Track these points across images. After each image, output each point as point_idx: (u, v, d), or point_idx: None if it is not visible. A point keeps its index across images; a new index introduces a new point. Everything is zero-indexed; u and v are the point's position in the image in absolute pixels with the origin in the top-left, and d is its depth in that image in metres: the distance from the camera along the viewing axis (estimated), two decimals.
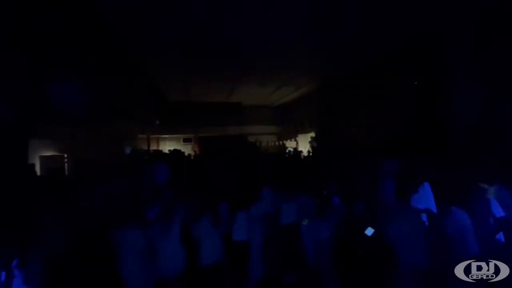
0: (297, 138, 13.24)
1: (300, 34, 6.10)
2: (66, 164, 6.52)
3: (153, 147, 13.99)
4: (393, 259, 2.46)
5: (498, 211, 2.66)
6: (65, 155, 6.61)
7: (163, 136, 14.59)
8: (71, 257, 2.97)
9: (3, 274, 2.28)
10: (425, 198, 2.96)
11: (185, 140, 15.14)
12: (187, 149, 12.84)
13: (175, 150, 5.45)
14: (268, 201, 3.01)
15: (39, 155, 6.14)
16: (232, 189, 3.20)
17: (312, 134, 11.32)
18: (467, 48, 5.28)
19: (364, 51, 7.15)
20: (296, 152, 10.07)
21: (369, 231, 2.63)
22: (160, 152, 6.31)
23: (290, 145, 13.31)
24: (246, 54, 7.16)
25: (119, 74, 7.63)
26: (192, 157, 9.24)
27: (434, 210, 2.99)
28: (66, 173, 6.09)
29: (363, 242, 2.60)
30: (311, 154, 9.46)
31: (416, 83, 6.78)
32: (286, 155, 9.29)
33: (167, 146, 14.18)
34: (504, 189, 2.85)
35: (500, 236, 2.52)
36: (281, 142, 14.14)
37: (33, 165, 4.87)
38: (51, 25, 4.35)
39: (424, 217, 2.75)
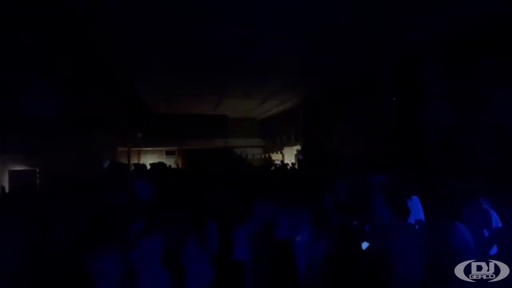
0: (282, 151, 13.25)
1: (285, 49, 6.18)
2: (38, 180, 6.08)
3: (134, 160, 13.48)
4: (388, 274, 2.39)
5: (484, 221, 2.68)
6: (37, 170, 6.17)
7: (144, 149, 14.13)
8: (39, 283, 2.69)
9: None
10: (415, 211, 2.95)
11: (168, 153, 14.72)
12: (170, 163, 12.47)
13: (158, 163, 5.21)
14: (262, 216, 2.87)
15: (9, 170, 5.70)
16: (221, 206, 3.04)
17: (298, 147, 11.37)
18: (441, 66, 5.58)
19: (347, 67, 7.35)
20: (283, 165, 10.03)
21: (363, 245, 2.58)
22: (141, 166, 6.03)
23: (276, 157, 13.28)
24: (232, 67, 7.15)
25: (97, 84, 7.36)
26: (176, 170, 8.94)
27: (423, 221, 2.98)
28: (38, 189, 5.67)
29: (358, 256, 2.53)
30: (296, 167, 9.44)
31: (394, 98, 7.05)
32: (273, 168, 9.21)
33: (149, 159, 13.73)
34: (483, 199, 2.90)
35: (492, 246, 2.53)
36: (267, 155, 14.09)
37: None
38: (26, 35, 4.14)
39: (415, 229, 2.72)
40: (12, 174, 5.77)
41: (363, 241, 2.65)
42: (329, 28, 5.14)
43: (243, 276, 2.70)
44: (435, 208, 2.73)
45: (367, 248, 2.68)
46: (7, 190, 4.99)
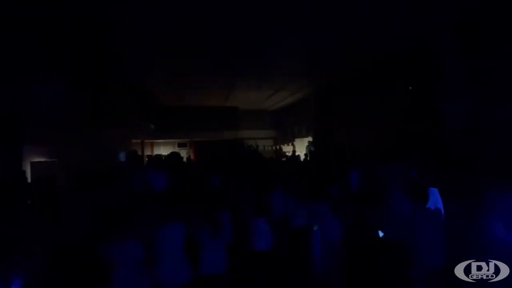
0: (294, 143, 13.19)
1: (296, 38, 6.09)
2: (57, 171, 6.29)
3: (147, 152, 13.74)
4: (405, 262, 2.38)
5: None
6: (56, 161, 6.39)
7: (157, 141, 14.36)
8: (60, 271, 2.80)
9: None
10: (434, 201, 2.90)
11: (180, 145, 14.92)
12: (182, 154, 12.62)
13: (173, 153, 5.29)
14: (279, 206, 2.91)
15: (30, 161, 5.92)
16: (234, 196, 3.09)
17: (309, 139, 11.28)
18: (460, 52, 5.34)
19: (360, 56, 7.17)
20: (294, 156, 10.00)
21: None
22: (156, 158, 6.16)
23: (287, 149, 13.24)
24: (243, 58, 7.10)
25: (112, 78, 7.49)
26: (188, 162, 9.08)
27: (443, 212, 2.92)
28: (57, 180, 5.88)
29: (373, 245, 2.53)
30: (308, 158, 9.39)
31: (410, 88, 6.83)
32: (284, 159, 9.20)
33: (161, 151, 13.96)
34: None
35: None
36: (277, 147, 14.07)
37: (24, 172, 4.68)
38: (43, 31, 4.24)
39: (435, 218, 2.68)
40: (33, 165, 6.01)
41: (378, 230, 2.64)
42: (340, 15, 5.00)
43: (261, 265, 2.76)
44: (463, 199, 2.67)
45: (386, 236, 2.67)
46: (29, 180, 5.19)
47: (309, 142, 10.95)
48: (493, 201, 2.47)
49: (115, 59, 6.73)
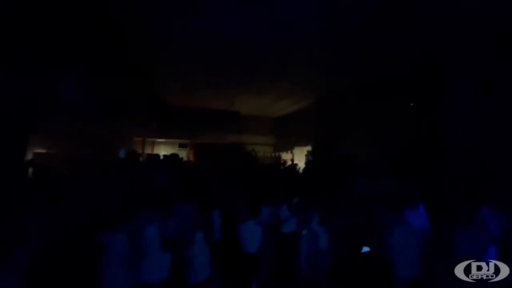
0: (293, 151, 13.26)
1: (301, 49, 6.22)
2: (59, 162, 6.40)
3: (148, 150, 13.83)
4: (384, 274, 2.44)
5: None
6: (59, 153, 6.51)
7: (158, 140, 14.47)
8: (54, 258, 2.88)
9: None
10: (418, 217, 2.98)
11: (181, 146, 15.02)
12: (182, 155, 12.72)
13: (172, 154, 5.39)
14: (269, 212, 2.99)
15: (33, 152, 6.05)
16: (229, 200, 3.17)
17: (309, 148, 11.36)
18: (465, 69, 5.36)
19: (363, 69, 7.28)
20: (292, 164, 10.06)
21: (364, 249, 2.64)
22: (156, 156, 6.25)
23: (286, 157, 13.30)
24: (248, 64, 7.24)
25: (118, 75, 7.63)
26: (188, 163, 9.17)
27: (426, 227, 3.00)
28: (58, 171, 5.98)
29: (357, 256, 2.60)
30: (306, 167, 9.46)
31: (412, 104, 6.90)
32: (282, 167, 9.27)
33: (162, 151, 14.06)
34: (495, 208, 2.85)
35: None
36: (276, 154, 14.13)
37: (29, 162, 4.78)
38: (51, 22, 4.34)
39: (415, 233, 2.75)
40: (35, 155, 6.14)
41: (364, 241, 2.71)
42: (346, 28, 5.12)
43: (249, 266, 2.82)
44: (447, 213, 2.74)
45: (368, 251, 2.74)
46: (32, 170, 5.29)
47: (307, 151, 11.02)
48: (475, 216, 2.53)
49: (126, 57, 6.88)
